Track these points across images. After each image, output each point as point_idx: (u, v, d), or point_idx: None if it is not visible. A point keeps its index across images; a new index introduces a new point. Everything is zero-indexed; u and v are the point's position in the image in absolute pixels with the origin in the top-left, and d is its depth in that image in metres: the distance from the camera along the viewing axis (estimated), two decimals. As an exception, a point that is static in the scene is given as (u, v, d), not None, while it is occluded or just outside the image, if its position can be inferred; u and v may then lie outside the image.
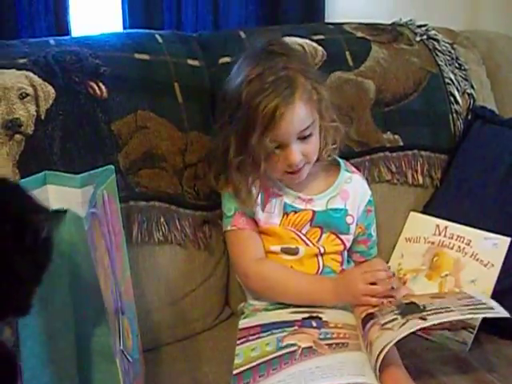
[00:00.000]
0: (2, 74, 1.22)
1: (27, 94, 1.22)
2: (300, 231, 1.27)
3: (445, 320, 1.12)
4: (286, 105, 1.16)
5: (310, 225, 1.27)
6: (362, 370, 1.03)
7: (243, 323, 1.20)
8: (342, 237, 1.29)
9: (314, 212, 1.27)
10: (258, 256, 1.27)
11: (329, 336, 1.12)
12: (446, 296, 1.24)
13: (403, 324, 1.06)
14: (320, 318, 1.18)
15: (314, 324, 1.16)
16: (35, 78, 1.24)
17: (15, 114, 1.20)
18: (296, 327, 1.15)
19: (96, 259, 0.90)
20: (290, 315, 1.20)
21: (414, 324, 1.06)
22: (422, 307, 1.11)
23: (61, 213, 0.92)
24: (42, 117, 1.22)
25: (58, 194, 1.04)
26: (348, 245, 1.31)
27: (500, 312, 1.08)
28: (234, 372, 1.07)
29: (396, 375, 1.07)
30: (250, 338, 1.14)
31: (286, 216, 1.27)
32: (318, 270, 1.27)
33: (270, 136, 1.17)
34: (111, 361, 0.92)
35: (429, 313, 1.08)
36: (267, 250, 1.27)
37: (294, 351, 1.08)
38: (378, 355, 1.01)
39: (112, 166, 1.10)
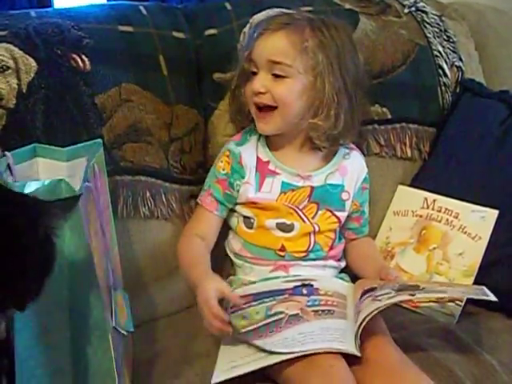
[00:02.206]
0: (-18, 46, 1.19)
1: (8, 67, 1.20)
2: (297, 207, 1.26)
3: (431, 296, 1.15)
4: (271, 29, 1.22)
5: (308, 200, 1.26)
6: (342, 337, 1.04)
7: (236, 293, 1.19)
8: (338, 213, 1.28)
9: (312, 188, 1.26)
10: (198, 234, 1.26)
11: (317, 303, 1.14)
12: (441, 284, 1.25)
13: (392, 297, 1.06)
14: (311, 286, 1.19)
15: (305, 291, 1.17)
16: (16, 50, 1.21)
17: (-4, 87, 1.18)
18: (286, 295, 1.16)
19: (90, 234, 0.90)
20: (283, 284, 1.20)
21: (401, 297, 1.07)
22: (420, 288, 1.12)
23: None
24: (24, 90, 1.20)
25: (46, 166, 1.05)
26: (342, 222, 1.30)
27: (491, 296, 1.08)
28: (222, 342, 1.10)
29: (381, 346, 1.08)
30: (242, 307, 1.14)
31: (283, 194, 1.26)
32: (309, 247, 1.26)
33: (249, 52, 1.23)
34: (104, 337, 0.91)
35: (422, 291, 1.09)
36: (261, 225, 1.25)
37: (281, 319, 1.09)
38: (361, 323, 1.04)
39: (100, 140, 1.10)
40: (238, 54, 1.32)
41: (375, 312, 1.04)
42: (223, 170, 1.28)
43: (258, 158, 1.27)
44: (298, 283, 1.20)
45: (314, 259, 1.26)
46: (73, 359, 1.00)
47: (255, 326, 1.10)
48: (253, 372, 1.03)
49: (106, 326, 0.92)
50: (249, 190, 1.25)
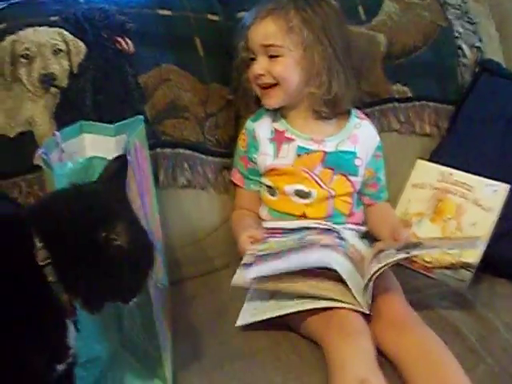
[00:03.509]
0: (36, 31, 1.30)
1: (60, 50, 1.30)
2: (313, 172, 1.36)
3: (424, 252, 1.25)
4: (260, 18, 1.34)
5: (322, 165, 1.36)
6: (356, 286, 1.15)
7: (267, 224, 1.34)
8: (352, 178, 1.38)
9: (325, 153, 1.36)
10: (238, 207, 1.44)
11: (345, 248, 1.25)
12: (449, 238, 1.34)
13: (391, 257, 1.16)
14: (340, 235, 1.30)
15: (335, 235, 1.29)
16: (67, 34, 1.32)
17: (50, 68, 1.29)
18: (319, 231, 1.28)
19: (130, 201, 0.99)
20: (313, 225, 1.31)
21: (398, 256, 1.16)
22: (419, 245, 1.21)
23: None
24: (75, 71, 1.31)
25: (93, 142, 1.14)
26: (357, 187, 1.40)
27: (477, 248, 1.18)
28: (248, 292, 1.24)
29: (392, 302, 1.19)
30: (271, 237, 1.28)
31: (298, 157, 1.36)
32: (328, 212, 1.36)
33: (244, 42, 1.36)
34: (145, 290, 1.00)
35: (417, 248, 1.19)
36: (281, 190, 1.36)
37: (312, 244, 1.22)
38: (366, 284, 1.14)
39: (141, 116, 1.19)
40: (235, 45, 1.40)
41: (378, 272, 1.13)
42: (242, 147, 1.42)
43: (275, 129, 1.39)
44: (328, 227, 1.31)
45: (334, 224, 1.35)
46: (117, 312, 1.13)
47: (281, 249, 1.21)
48: (274, 320, 1.15)
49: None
50: (266, 159, 1.37)
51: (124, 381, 1.10)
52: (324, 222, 1.33)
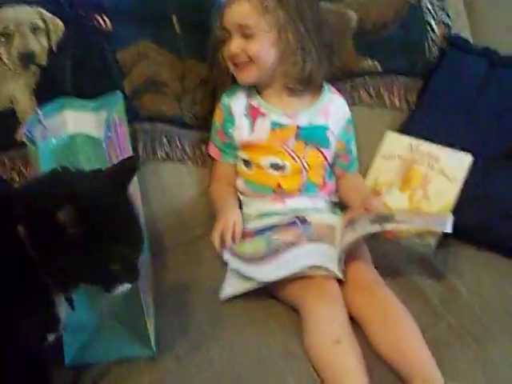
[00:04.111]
0: (14, 9, 1.32)
1: (39, 28, 1.32)
2: (286, 145, 1.41)
3: (397, 226, 1.30)
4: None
5: (296, 139, 1.41)
6: (330, 260, 1.23)
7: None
8: (324, 151, 1.44)
9: (298, 127, 1.41)
10: (216, 180, 1.49)
11: (310, 233, 1.32)
12: (420, 214, 1.39)
13: (366, 228, 1.23)
14: (305, 220, 1.36)
15: (299, 224, 1.35)
16: (45, 12, 1.34)
17: (29, 46, 1.31)
18: (283, 227, 1.35)
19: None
20: (280, 220, 1.38)
21: (372, 228, 1.23)
22: (391, 218, 1.27)
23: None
24: (54, 49, 1.34)
25: (74, 118, 1.18)
26: (329, 159, 1.46)
27: (446, 229, 1.22)
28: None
29: (361, 269, 1.26)
30: (246, 239, 1.34)
31: (272, 132, 1.41)
32: (302, 184, 1.42)
33: (220, 22, 1.38)
34: None
35: (389, 222, 1.25)
36: (257, 163, 1.42)
37: (280, 246, 1.29)
38: (341, 251, 1.21)
39: (120, 92, 1.24)
40: (211, 24, 1.44)
41: (352, 241, 1.21)
42: (218, 122, 1.47)
43: (250, 104, 1.44)
44: (293, 219, 1.37)
45: (307, 195, 1.42)
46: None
47: (258, 253, 1.29)
48: (256, 290, 1.23)
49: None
50: (242, 133, 1.43)
51: (110, 346, 1.15)
52: (290, 211, 1.40)
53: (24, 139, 1.04)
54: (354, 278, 1.24)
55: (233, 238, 1.32)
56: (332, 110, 1.46)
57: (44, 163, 0.98)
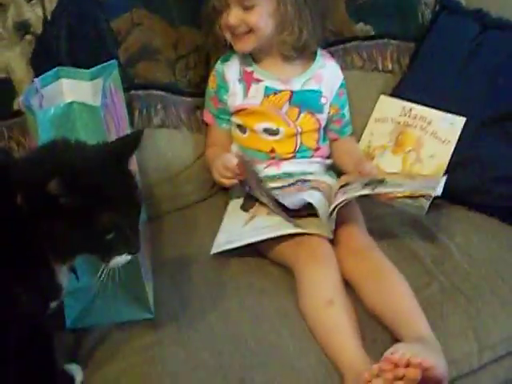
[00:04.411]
0: (8, -21, 1.31)
1: None
2: (280, 110, 1.43)
3: (388, 191, 1.31)
4: None
5: (289, 104, 1.43)
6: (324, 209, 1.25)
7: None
8: (317, 115, 1.46)
9: (291, 92, 1.43)
10: (212, 144, 1.50)
11: (311, 186, 1.35)
12: (412, 177, 1.40)
13: (357, 191, 1.25)
14: (305, 180, 1.40)
15: (300, 184, 1.38)
16: None
17: (24, 16, 1.32)
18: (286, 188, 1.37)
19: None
20: (282, 183, 1.40)
21: (363, 191, 1.25)
22: (383, 182, 1.29)
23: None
24: (49, 18, 1.34)
25: (70, 86, 1.19)
26: (323, 123, 1.47)
27: (436, 192, 1.24)
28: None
29: (353, 232, 1.29)
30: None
31: (266, 97, 1.43)
32: (296, 147, 1.44)
33: None
34: None
35: (381, 186, 1.27)
36: (251, 128, 1.44)
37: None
38: (331, 212, 1.23)
39: (115, 61, 1.25)
40: None
41: (341, 204, 1.22)
42: (212, 88, 1.48)
43: (243, 70, 1.45)
44: (295, 180, 1.40)
45: (302, 158, 1.45)
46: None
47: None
48: (246, 247, 1.25)
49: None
50: (236, 99, 1.44)
51: (109, 309, 1.18)
52: (287, 183, 1.41)
53: (22, 108, 1.05)
54: (346, 241, 1.27)
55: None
56: (325, 75, 1.47)
57: (43, 132, 1.00)
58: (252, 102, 1.43)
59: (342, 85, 1.51)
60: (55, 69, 1.19)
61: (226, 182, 1.35)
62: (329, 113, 1.48)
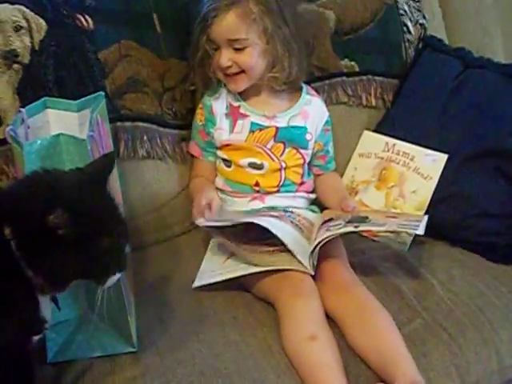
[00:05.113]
0: (-3, 8, 1.32)
1: (21, 27, 1.33)
2: (265, 146, 1.44)
3: (372, 228, 1.32)
4: (221, 12, 1.33)
5: (274, 140, 1.44)
6: (303, 250, 1.26)
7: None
8: (302, 151, 1.47)
9: (277, 128, 1.44)
10: (197, 176, 1.50)
11: (293, 218, 1.36)
12: (394, 215, 1.39)
13: (340, 228, 1.26)
14: (292, 212, 1.40)
15: (282, 213, 1.39)
16: (27, 11, 1.34)
17: (12, 45, 1.32)
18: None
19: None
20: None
21: (346, 229, 1.25)
22: (366, 220, 1.30)
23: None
24: (36, 47, 1.34)
25: (56, 117, 1.18)
26: (307, 159, 1.49)
27: (419, 231, 1.23)
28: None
29: (336, 268, 1.29)
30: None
31: (252, 133, 1.44)
32: (280, 182, 1.45)
33: (207, 36, 1.37)
34: None
35: (364, 224, 1.27)
36: (236, 163, 1.44)
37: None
38: (314, 248, 1.23)
39: (102, 93, 1.24)
40: (193, 31, 1.40)
41: (325, 240, 1.23)
42: (200, 121, 1.49)
43: (230, 104, 1.46)
44: (280, 213, 1.39)
45: (286, 192, 1.45)
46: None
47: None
48: (230, 281, 1.26)
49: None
50: (222, 134, 1.45)
51: (92, 342, 1.17)
52: (271, 209, 1.42)
53: (8, 138, 1.05)
54: (329, 277, 1.26)
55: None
56: (311, 112, 1.48)
57: (29, 163, 0.99)
58: (237, 137, 1.44)
59: (327, 122, 1.53)
60: (42, 99, 1.19)
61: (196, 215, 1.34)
62: (313, 149, 1.50)
